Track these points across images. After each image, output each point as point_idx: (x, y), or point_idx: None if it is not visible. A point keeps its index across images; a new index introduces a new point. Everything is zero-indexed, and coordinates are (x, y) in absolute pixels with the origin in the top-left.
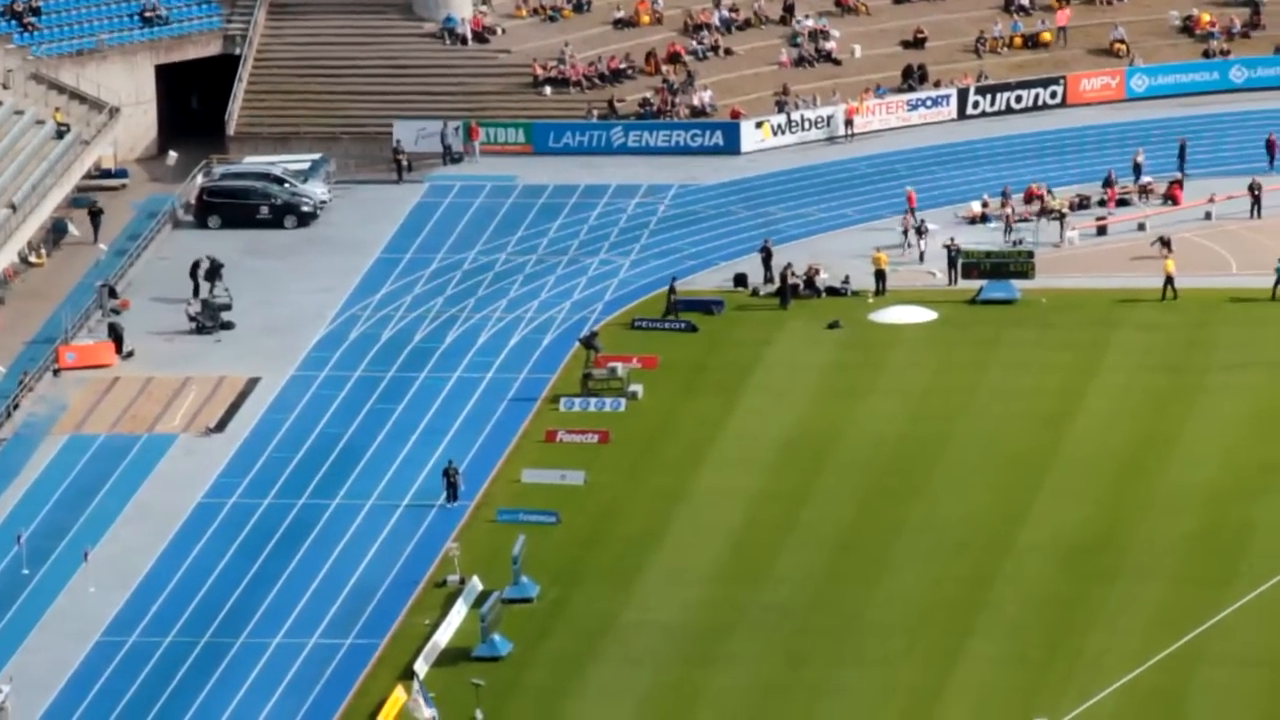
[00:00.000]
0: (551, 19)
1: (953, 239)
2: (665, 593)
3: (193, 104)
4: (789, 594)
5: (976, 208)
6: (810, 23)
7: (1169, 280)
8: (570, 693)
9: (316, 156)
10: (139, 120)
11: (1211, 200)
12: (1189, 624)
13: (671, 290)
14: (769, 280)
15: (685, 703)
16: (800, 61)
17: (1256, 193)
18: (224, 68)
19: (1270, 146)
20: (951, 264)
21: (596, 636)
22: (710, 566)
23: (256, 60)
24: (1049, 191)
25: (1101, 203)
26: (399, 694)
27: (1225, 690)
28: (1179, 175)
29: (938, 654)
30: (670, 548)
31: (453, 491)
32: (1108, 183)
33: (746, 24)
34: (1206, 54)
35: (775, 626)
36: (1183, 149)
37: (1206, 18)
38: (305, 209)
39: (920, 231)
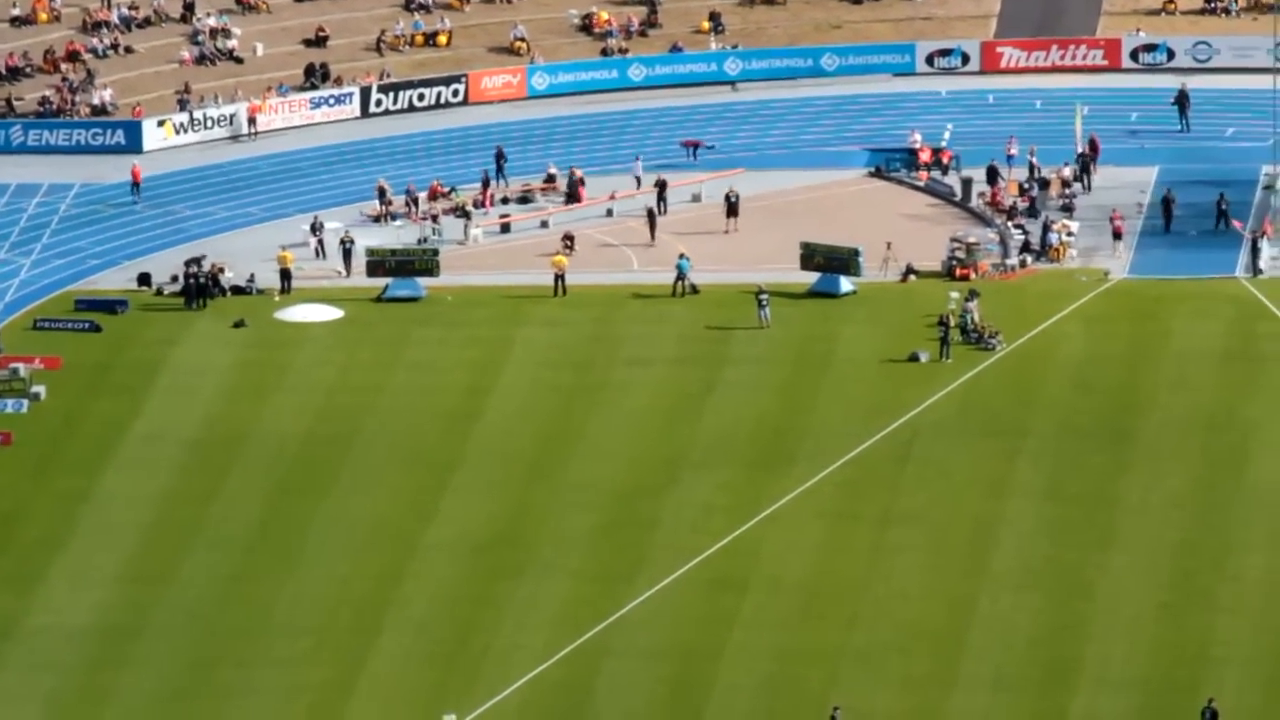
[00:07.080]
0: None
1: (347, 232)
2: (70, 596)
3: None
4: (196, 595)
5: (380, 205)
6: (211, 21)
7: (559, 277)
8: None
9: None
10: None
11: (613, 197)
12: (594, 619)
13: None
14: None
15: (91, 707)
16: (202, 59)
17: (661, 190)
18: None
19: (692, 145)
20: (348, 258)
21: None
22: (116, 568)
23: None
24: (451, 189)
25: (505, 200)
26: None
27: (629, 683)
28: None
29: (346, 652)
30: (75, 550)
31: None
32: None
33: (147, 22)
34: (605, 52)
35: (183, 628)
36: (499, 154)
37: (604, 16)
38: None
39: (315, 229)
